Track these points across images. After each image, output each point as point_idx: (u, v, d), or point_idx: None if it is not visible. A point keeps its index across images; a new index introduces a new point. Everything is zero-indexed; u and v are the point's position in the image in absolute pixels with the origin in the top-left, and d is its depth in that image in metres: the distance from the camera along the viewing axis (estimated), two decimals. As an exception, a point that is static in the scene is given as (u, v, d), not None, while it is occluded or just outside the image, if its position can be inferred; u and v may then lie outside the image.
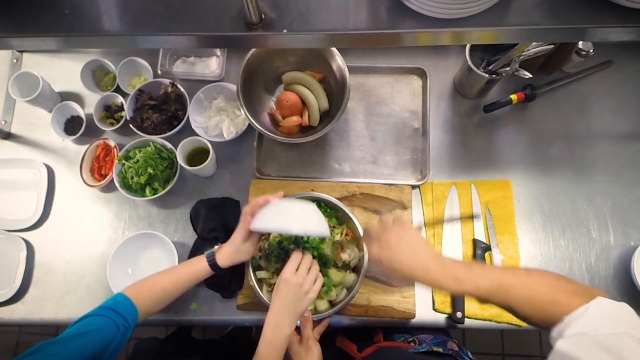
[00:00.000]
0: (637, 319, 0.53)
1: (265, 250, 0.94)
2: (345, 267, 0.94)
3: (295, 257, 0.81)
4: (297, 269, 0.80)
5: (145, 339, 1.12)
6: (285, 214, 0.83)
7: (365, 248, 0.82)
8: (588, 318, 0.53)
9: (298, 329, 0.87)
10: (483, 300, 0.65)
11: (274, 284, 0.88)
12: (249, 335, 1.72)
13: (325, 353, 0.85)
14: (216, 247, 0.90)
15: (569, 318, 0.54)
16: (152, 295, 0.83)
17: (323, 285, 0.88)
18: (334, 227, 0.95)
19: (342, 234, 0.94)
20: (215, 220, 1.02)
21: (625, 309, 0.54)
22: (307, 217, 0.83)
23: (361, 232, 0.91)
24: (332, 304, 0.92)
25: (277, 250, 0.92)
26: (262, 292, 0.91)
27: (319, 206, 0.95)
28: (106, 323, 0.74)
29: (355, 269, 0.94)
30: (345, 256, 0.92)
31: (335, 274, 0.91)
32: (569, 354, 0.49)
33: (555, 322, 0.56)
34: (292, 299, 0.78)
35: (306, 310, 0.86)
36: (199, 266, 0.87)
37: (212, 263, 0.86)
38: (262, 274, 0.93)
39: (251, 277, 0.92)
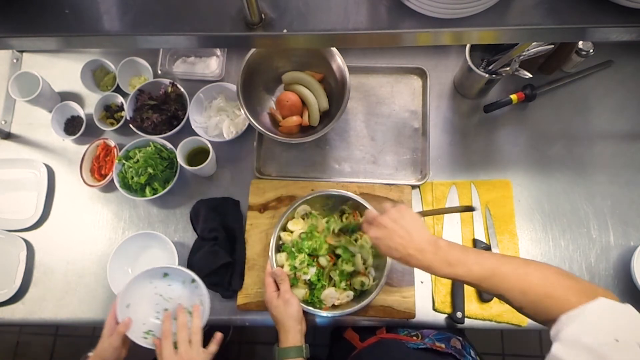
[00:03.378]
0: None
1: (288, 246, 0.95)
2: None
3: (167, 334, 0.81)
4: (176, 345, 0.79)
5: None
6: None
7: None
8: (585, 320, 0.51)
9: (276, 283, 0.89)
10: (474, 285, 0.65)
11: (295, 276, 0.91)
12: (225, 337, 1.70)
13: (333, 346, 0.85)
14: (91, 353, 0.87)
15: (565, 317, 0.53)
16: None
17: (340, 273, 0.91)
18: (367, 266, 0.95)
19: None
20: (215, 220, 1.02)
21: (628, 311, 0.52)
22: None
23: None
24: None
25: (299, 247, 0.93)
26: None
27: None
28: None
29: (335, 307, 0.93)
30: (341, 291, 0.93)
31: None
32: None
33: (551, 317, 0.56)
34: None
35: (278, 269, 0.89)
36: None
37: None
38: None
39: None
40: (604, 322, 0.51)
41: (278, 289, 0.88)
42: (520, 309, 0.61)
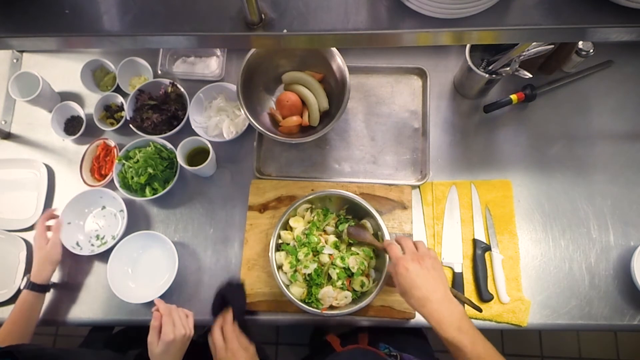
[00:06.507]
0: None
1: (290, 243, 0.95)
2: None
3: None
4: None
5: (100, 328, 1.13)
6: None
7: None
8: None
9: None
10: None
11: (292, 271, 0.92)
12: None
13: (313, 347, 0.84)
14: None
15: None
16: (10, 340, 0.89)
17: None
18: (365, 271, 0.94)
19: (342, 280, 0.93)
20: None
21: None
22: None
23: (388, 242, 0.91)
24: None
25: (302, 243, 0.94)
26: (279, 274, 0.93)
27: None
28: None
29: (332, 308, 0.93)
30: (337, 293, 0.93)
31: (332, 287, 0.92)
32: None
33: None
34: None
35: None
36: (22, 296, 0.94)
37: (28, 283, 0.94)
38: (282, 262, 0.94)
39: (272, 263, 0.93)
40: None
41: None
42: None
